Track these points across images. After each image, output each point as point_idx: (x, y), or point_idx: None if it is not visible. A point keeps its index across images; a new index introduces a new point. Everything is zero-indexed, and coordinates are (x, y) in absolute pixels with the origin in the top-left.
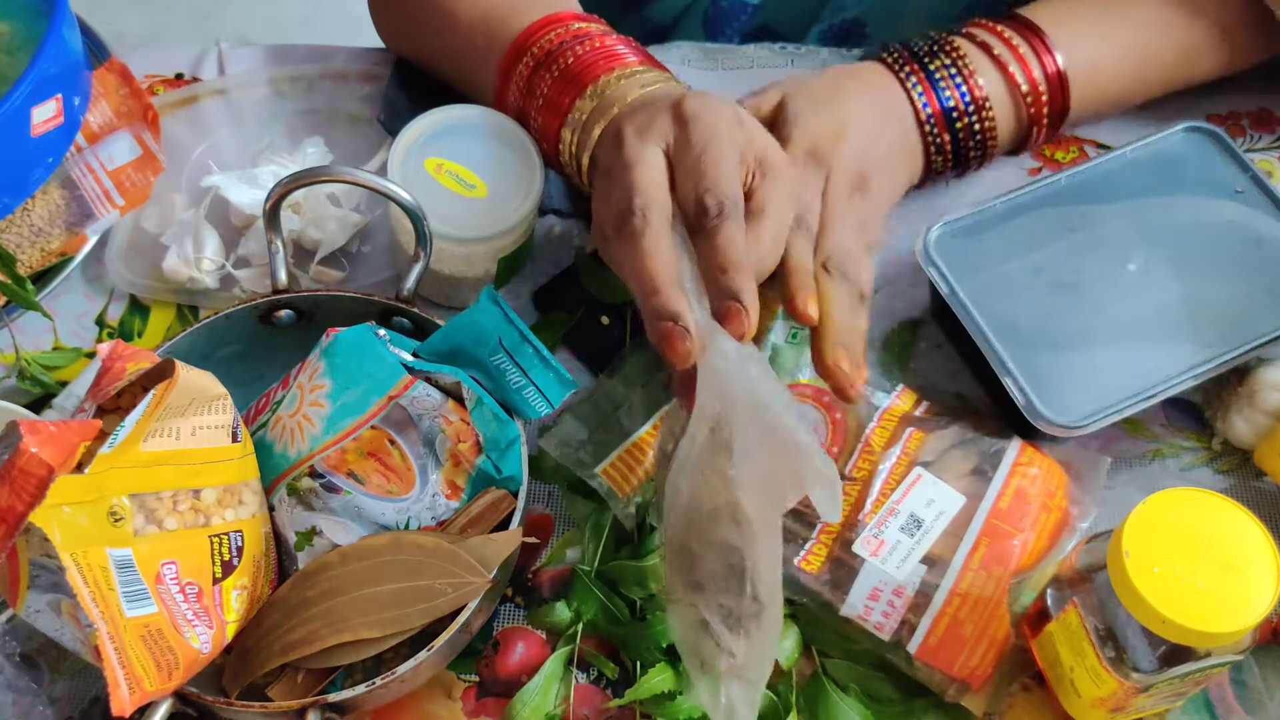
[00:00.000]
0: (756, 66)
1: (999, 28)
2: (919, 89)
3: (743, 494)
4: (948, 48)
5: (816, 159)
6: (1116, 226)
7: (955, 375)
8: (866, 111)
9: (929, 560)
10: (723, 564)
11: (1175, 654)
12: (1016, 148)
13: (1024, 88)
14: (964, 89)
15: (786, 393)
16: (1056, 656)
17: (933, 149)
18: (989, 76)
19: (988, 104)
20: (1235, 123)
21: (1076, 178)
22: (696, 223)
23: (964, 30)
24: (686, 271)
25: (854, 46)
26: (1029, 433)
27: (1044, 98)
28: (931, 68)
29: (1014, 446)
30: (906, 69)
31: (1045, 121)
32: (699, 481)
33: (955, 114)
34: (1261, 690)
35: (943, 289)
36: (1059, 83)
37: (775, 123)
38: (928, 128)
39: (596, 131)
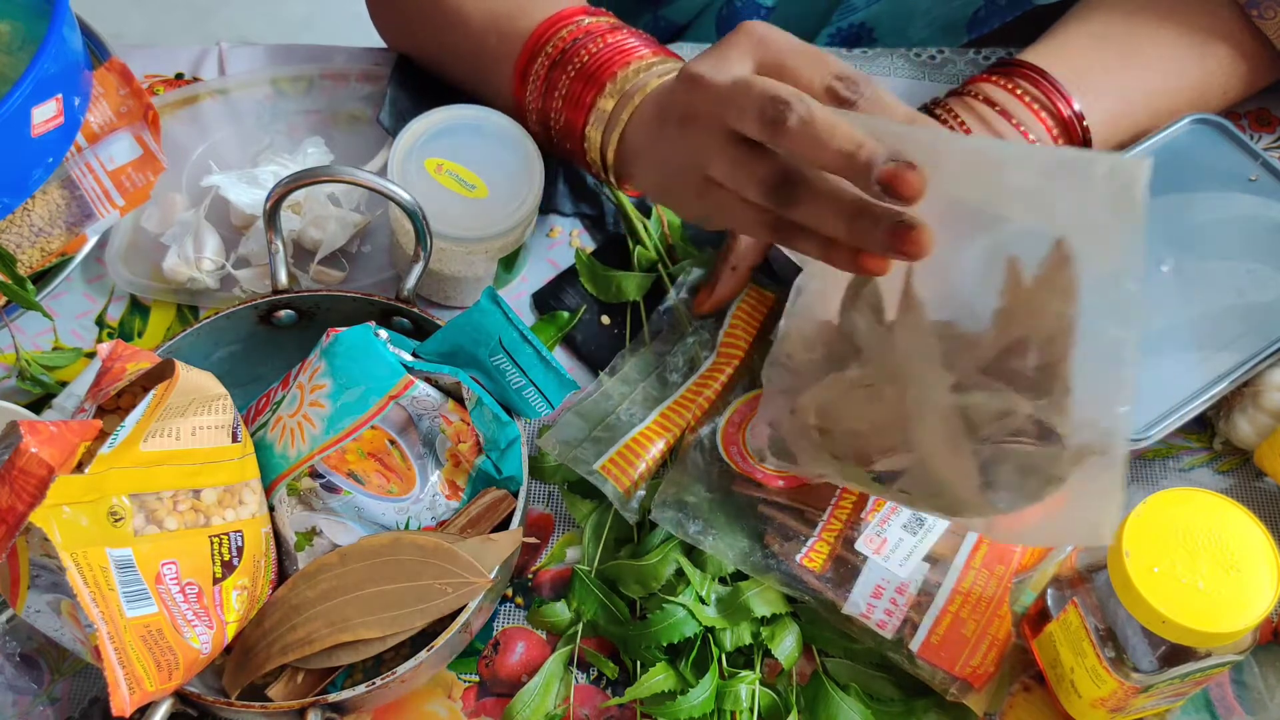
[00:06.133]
0: None
1: (1006, 82)
2: None
3: (1069, 234)
4: (950, 123)
5: None
6: None
7: None
8: None
9: (931, 558)
10: (1030, 348)
11: (1175, 654)
12: None
13: (1039, 142)
14: None
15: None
16: (1057, 656)
17: None
18: None
19: None
20: (1235, 122)
21: None
22: (841, 102)
23: (971, 89)
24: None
25: (863, 49)
26: None
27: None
28: None
29: None
30: None
31: None
32: (961, 280)
33: None
34: (1261, 690)
35: None
36: (1077, 128)
37: None
38: None
39: (623, 121)
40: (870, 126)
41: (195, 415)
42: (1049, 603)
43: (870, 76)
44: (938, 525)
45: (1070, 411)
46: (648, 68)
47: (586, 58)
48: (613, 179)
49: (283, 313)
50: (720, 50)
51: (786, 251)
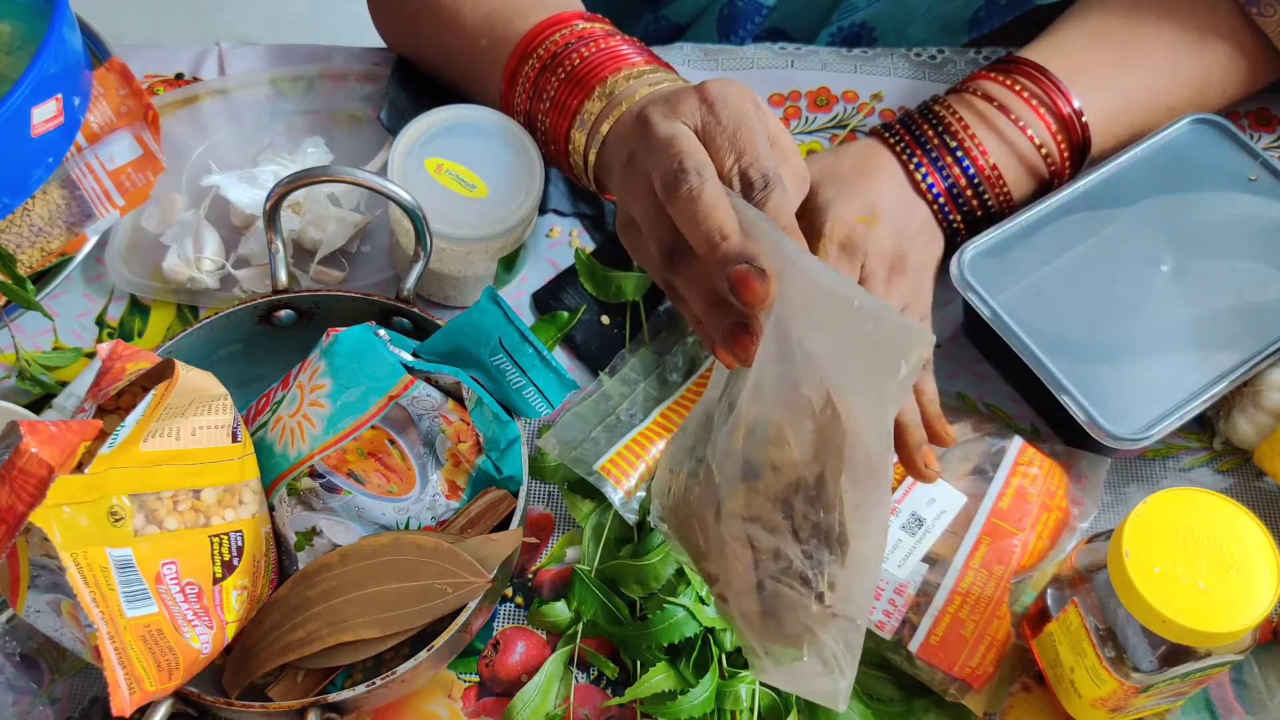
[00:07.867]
0: (757, 67)
1: (1006, 79)
2: (922, 169)
3: (834, 386)
4: (949, 119)
5: (850, 251)
6: (1140, 227)
7: (955, 375)
8: (896, 186)
9: (930, 559)
10: (803, 493)
11: (1175, 654)
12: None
13: (1041, 144)
14: (967, 163)
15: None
16: (1057, 656)
17: (945, 225)
18: (994, 142)
19: (996, 172)
20: (1235, 122)
21: (1093, 182)
22: (744, 196)
23: (971, 86)
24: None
25: (862, 49)
26: (1088, 446)
27: (1063, 146)
28: (930, 146)
29: (1015, 446)
30: (908, 150)
31: (1067, 168)
32: (772, 403)
33: (956, 190)
34: (1261, 690)
35: (985, 312)
36: (1076, 125)
37: (806, 210)
38: (936, 206)
39: (605, 128)
40: (752, 221)
41: (195, 415)
42: (1049, 602)
43: (787, 186)
44: (937, 526)
45: (827, 568)
46: (639, 75)
47: (578, 61)
48: (594, 185)
49: (283, 313)
50: (674, 100)
51: None
